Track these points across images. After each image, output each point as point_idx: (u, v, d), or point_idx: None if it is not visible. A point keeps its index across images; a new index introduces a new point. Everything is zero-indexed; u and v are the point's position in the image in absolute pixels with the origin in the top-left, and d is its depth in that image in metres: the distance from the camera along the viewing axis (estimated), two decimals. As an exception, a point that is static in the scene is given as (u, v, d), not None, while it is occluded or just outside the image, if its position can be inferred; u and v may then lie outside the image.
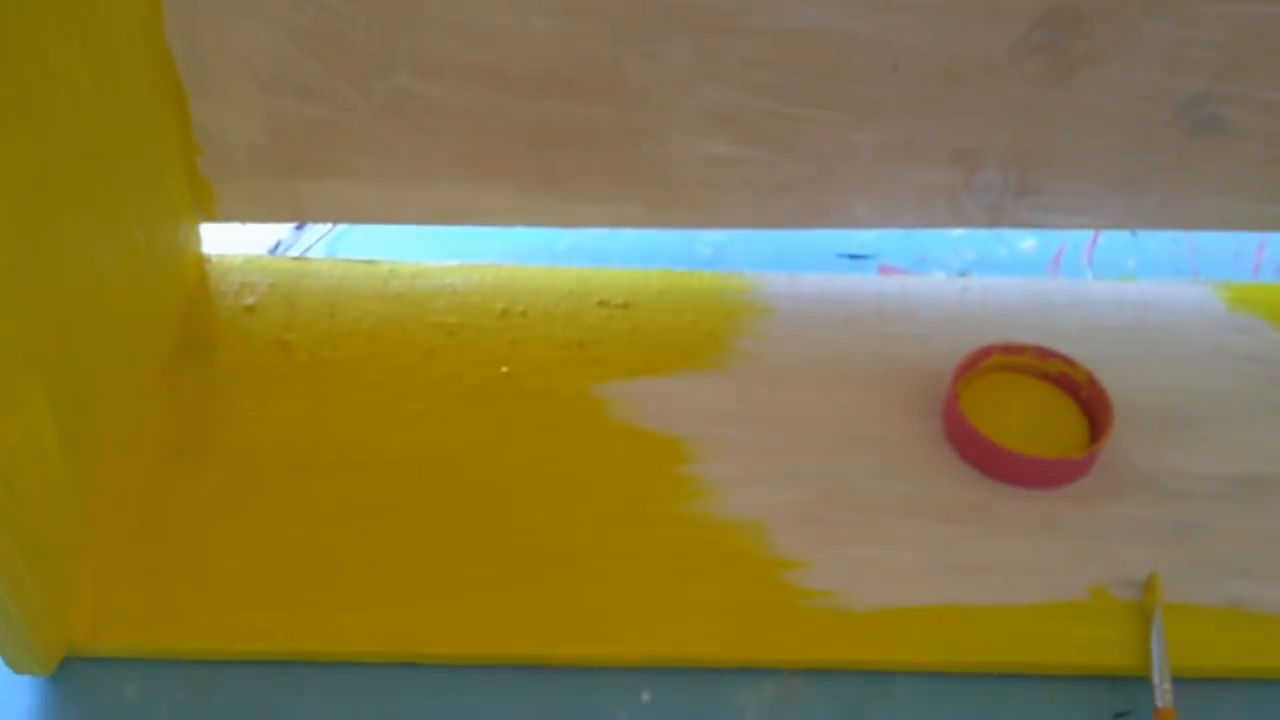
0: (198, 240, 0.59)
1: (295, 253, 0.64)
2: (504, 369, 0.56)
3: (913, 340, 0.58)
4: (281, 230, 0.65)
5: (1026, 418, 0.54)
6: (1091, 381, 0.53)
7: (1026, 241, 0.66)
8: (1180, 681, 0.45)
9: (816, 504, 0.50)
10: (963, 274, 0.63)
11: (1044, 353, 0.54)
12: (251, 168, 0.56)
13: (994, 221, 0.59)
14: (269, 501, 0.49)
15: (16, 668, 0.43)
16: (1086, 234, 0.66)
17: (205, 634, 0.45)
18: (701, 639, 0.45)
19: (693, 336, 0.58)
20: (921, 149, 0.56)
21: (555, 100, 0.53)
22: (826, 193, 0.58)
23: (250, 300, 0.58)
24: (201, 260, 0.59)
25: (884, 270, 0.63)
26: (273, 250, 0.64)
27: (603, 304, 0.59)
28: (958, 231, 0.59)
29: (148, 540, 0.47)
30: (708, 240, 0.65)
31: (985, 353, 0.55)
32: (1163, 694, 0.43)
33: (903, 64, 0.52)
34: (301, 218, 0.59)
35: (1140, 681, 0.45)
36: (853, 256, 0.64)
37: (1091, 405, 0.53)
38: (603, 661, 0.45)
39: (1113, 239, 0.66)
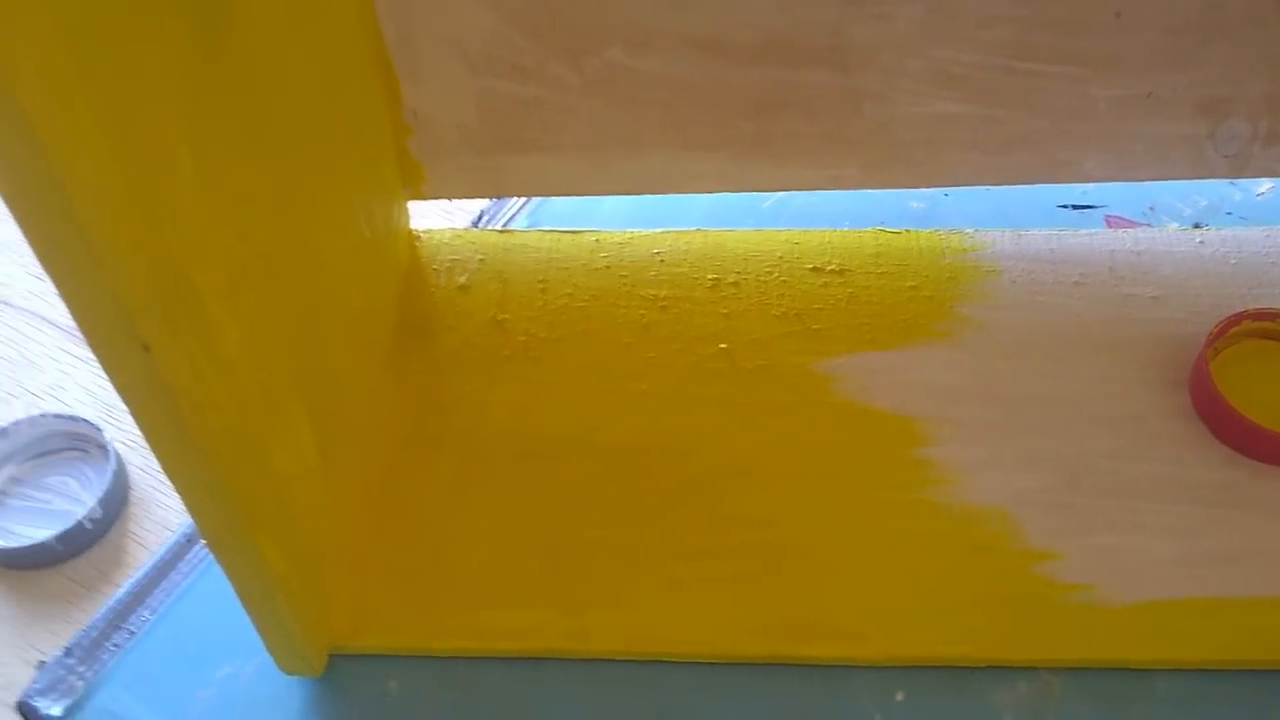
0: (408, 218, 0.59)
1: (497, 222, 0.64)
2: (722, 345, 0.54)
3: (1150, 302, 0.55)
4: (483, 201, 0.65)
5: (1284, 390, 0.51)
6: (1358, 350, 0.49)
7: (1263, 185, 0.61)
8: None
9: (1062, 489, 0.48)
10: (1197, 224, 0.59)
11: (1303, 318, 0.51)
12: (460, 147, 0.55)
13: (1236, 172, 0.55)
14: (504, 492, 0.50)
15: (288, 670, 0.45)
16: (1334, 174, 0.61)
17: (456, 633, 0.46)
18: (954, 638, 0.45)
19: (915, 304, 0.56)
20: (1165, 101, 0.52)
21: (773, 67, 0.51)
22: (1057, 148, 0.54)
23: (463, 279, 0.58)
24: (412, 238, 0.59)
25: (1111, 222, 0.60)
26: (476, 221, 0.64)
27: (816, 270, 0.57)
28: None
29: (393, 536, 0.48)
30: (920, 194, 0.62)
31: (1236, 319, 0.51)
32: None
33: (1151, 16, 0.48)
34: (507, 193, 0.58)
35: None
36: (1076, 207, 0.61)
37: (1359, 376, 0.50)
38: (852, 661, 0.45)
39: (1363, 178, 0.61)
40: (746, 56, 0.51)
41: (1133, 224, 0.59)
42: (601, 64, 0.51)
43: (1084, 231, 0.58)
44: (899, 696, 0.44)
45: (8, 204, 0.24)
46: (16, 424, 0.54)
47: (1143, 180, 0.56)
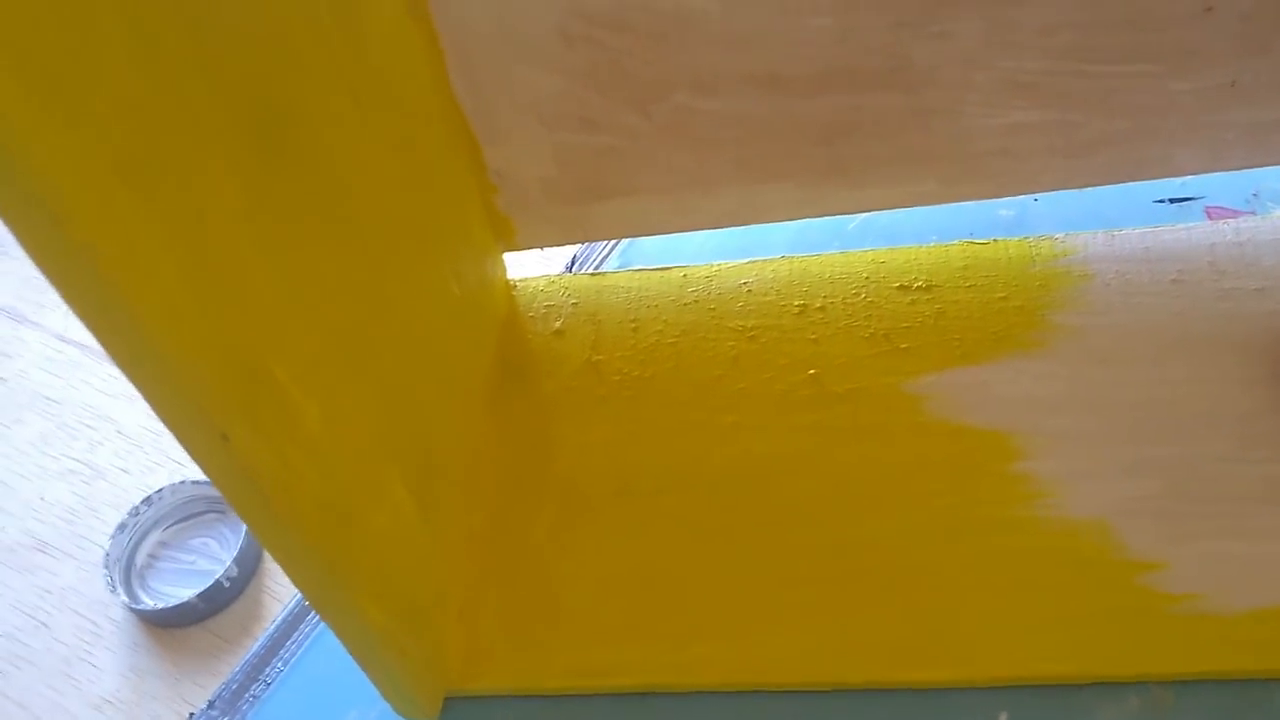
0: (503, 269, 0.61)
1: (590, 264, 0.65)
2: (811, 371, 0.55)
3: (1254, 294, 0.53)
4: (576, 245, 0.67)
5: (1403, 377, 0.48)
6: None
7: (1379, 158, 0.58)
8: None
9: (1165, 496, 0.47)
10: (1306, 207, 0.56)
11: None
12: (545, 198, 0.57)
13: (1342, 149, 0.53)
14: (605, 530, 0.51)
15: (405, 714, 0.47)
16: None
17: (565, 672, 0.48)
18: (1056, 655, 0.44)
19: (1005, 315, 0.55)
20: (1250, 88, 0.50)
21: (837, 95, 0.52)
22: (1144, 146, 0.53)
23: (558, 324, 0.60)
24: (509, 287, 0.62)
25: (1212, 213, 0.58)
26: (570, 266, 0.66)
27: (903, 288, 0.57)
28: (1294, 158, 0.53)
29: (500, 580, 0.50)
30: (1008, 202, 0.61)
31: (1347, 307, 0.49)
32: None
33: (1220, 4, 0.47)
34: (594, 237, 0.60)
35: None
36: (1174, 200, 0.59)
37: None
38: (955, 684, 0.44)
39: None
40: (809, 87, 0.51)
41: (1235, 213, 0.57)
42: (669, 109, 0.53)
43: (1181, 226, 0.56)
44: (1003, 717, 0.44)
45: (82, 320, 0.27)
46: (161, 492, 0.59)
47: (1240, 168, 0.54)
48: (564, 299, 0.61)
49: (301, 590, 0.39)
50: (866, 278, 0.58)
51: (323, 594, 0.40)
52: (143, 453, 0.61)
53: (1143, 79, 0.50)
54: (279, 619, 0.53)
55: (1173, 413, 0.50)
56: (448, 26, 0.50)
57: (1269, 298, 0.52)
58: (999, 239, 0.58)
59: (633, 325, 0.59)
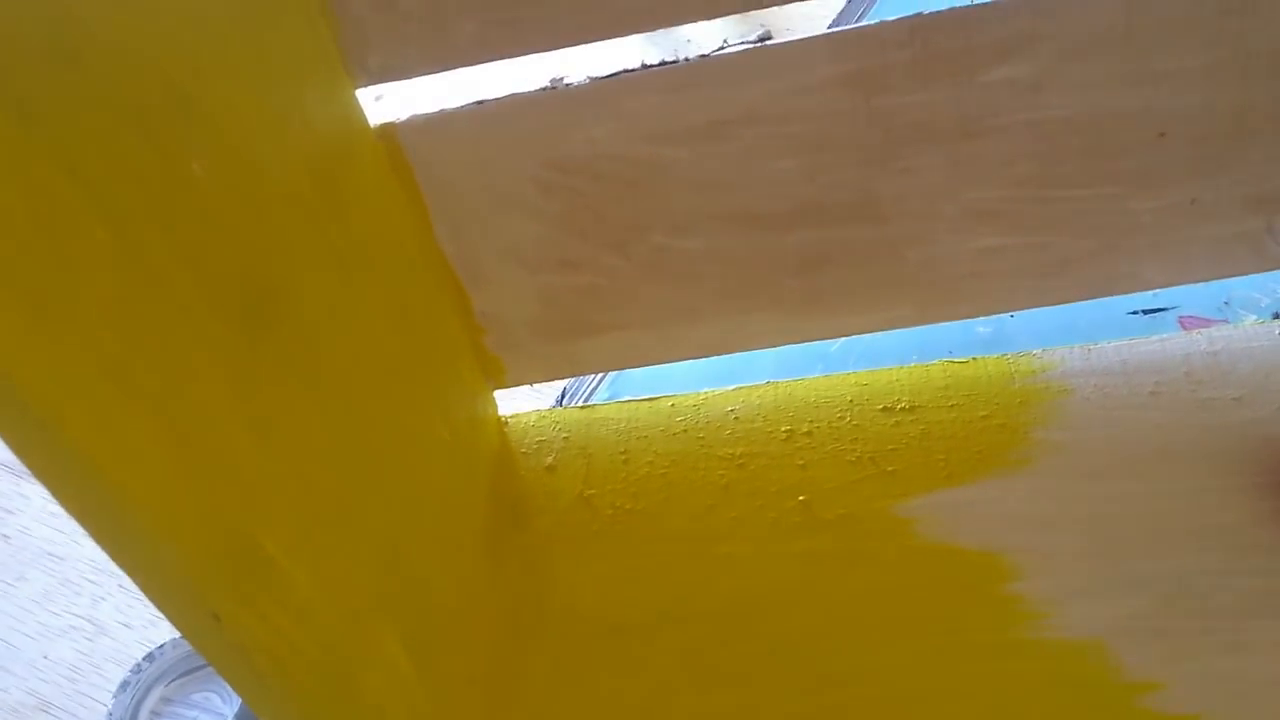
0: (494, 407, 0.62)
1: (580, 395, 0.66)
2: (801, 498, 0.56)
3: (1232, 404, 0.54)
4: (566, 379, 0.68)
5: (1384, 482, 0.49)
6: None
7: (1345, 261, 0.60)
8: None
9: (1159, 613, 0.47)
10: (1276, 315, 0.57)
11: (1393, 406, 0.49)
12: (532, 337, 0.59)
13: (1305, 259, 0.54)
14: (601, 669, 0.51)
15: None
16: None
17: (569, 818, 0.47)
18: (1059, 784, 0.44)
19: (988, 434, 0.56)
20: (1210, 205, 0.52)
21: (810, 230, 0.53)
22: (1111, 263, 0.54)
23: (550, 459, 0.61)
24: (500, 425, 0.63)
25: (1185, 323, 0.59)
26: (560, 399, 0.67)
27: (887, 410, 0.58)
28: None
29: (501, 725, 0.50)
30: (985, 319, 0.62)
31: (1322, 414, 0.50)
32: None
33: (1172, 129, 0.49)
34: (583, 371, 0.61)
35: None
36: (1147, 312, 0.60)
37: None
38: (958, 817, 0.44)
39: None
40: (782, 224, 0.53)
41: (1208, 322, 0.58)
42: (648, 249, 0.54)
43: (1156, 338, 0.57)
44: None
45: (68, 512, 0.28)
46: (163, 647, 0.59)
47: (1207, 280, 0.55)
48: (555, 433, 0.62)
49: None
50: (850, 400, 0.59)
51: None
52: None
53: (1104, 201, 0.52)
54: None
55: (1161, 526, 0.50)
56: (429, 182, 0.52)
57: (1246, 406, 0.53)
58: (978, 357, 0.59)
59: (624, 457, 0.60)
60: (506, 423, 0.63)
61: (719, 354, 0.59)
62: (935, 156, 0.50)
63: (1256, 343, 0.56)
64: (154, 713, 0.58)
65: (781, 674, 0.49)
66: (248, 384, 0.35)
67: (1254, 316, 0.58)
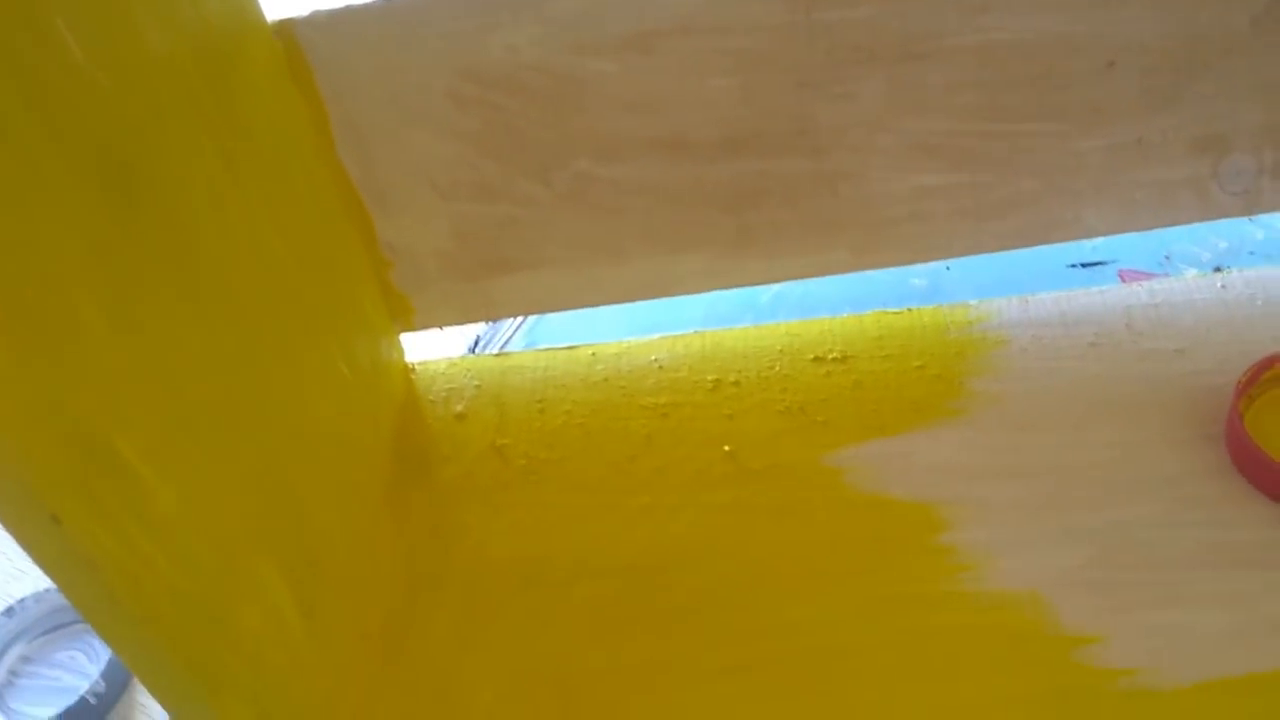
0: (401, 352, 0.58)
1: (495, 344, 0.63)
2: (726, 448, 0.52)
3: (1173, 355, 0.52)
4: (479, 325, 0.64)
5: (1328, 434, 0.47)
6: (1404, 383, 0.46)
7: (1287, 219, 0.59)
8: None
9: (1096, 565, 0.45)
10: (1218, 268, 0.56)
11: (1338, 355, 0.48)
12: (442, 274, 0.55)
13: (1250, 209, 0.52)
14: (510, 626, 0.48)
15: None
16: (1357, 199, 0.58)
17: (468, 780, 0.43)
18: (994, 740, 0.41)
19: (923, 384, 0.53)
20: (1157, 145, 0.50)
21: (743, 160, 0.50)
22: (1053, 207, 0.52)
23: (460, 407, 0.57)
24: (408, 371, 0.59)
25: (1125, 276, 0.57)
26: (473, 347, 0.63)
27: (818, 360, 0.55)
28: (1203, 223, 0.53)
29: (397, 682, 0.46)
30: (921, 271, 0.60)
31: (1267, 363, 0.48)
32: None
33: (1122, 60, 0.47)
34: (498, 314, 0.58)
35: None
36: (1086, 265, 0.58)
37: None
38: (887, 776, 0.41)
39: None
40: (714, 152, 0.50)
41: (1148, 275, 0.57)
42: (571, 176, 0.51)
43: (1095, 289, 0.55)
44: (941, 811, 0.40)
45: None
46: (23, 601, 0.53)
47: (1150, 229, 0.53)
48: (466, 381, 0.58)
49: (156, 695, 0.34)
50: (780, 350, 0.56)
51: (183, 700, 0.35)
52: (5, 558, 0.56)
53: (1049, 138, 0.49)
54: (150, 736, 0.48)
55: (1098, 478, 0.48)
56: (331, 89, 0.48)
57: (1188, 359, 0.51)
58: (913, 308, 0.56)
59: (539, 406, 0.56)
60: (414, 369, 0.59)
61: (645, 299, 0.56)
62: (876, 80, 0.47)
63: (1199, 295, 0.54)
64: (12, 672, 0.53)
65: (702, 627, 0.46)
66: (107, 261, 0.30)
67: (1195, 270, 0.56)
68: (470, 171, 0.50)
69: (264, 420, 0.41)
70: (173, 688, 0.34)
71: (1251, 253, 0.57)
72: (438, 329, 0.58)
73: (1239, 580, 0.43)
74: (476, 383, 0.58)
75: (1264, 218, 0.58)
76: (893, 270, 0.60)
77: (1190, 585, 0.44)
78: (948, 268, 0.60)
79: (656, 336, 0.58)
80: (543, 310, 0.58)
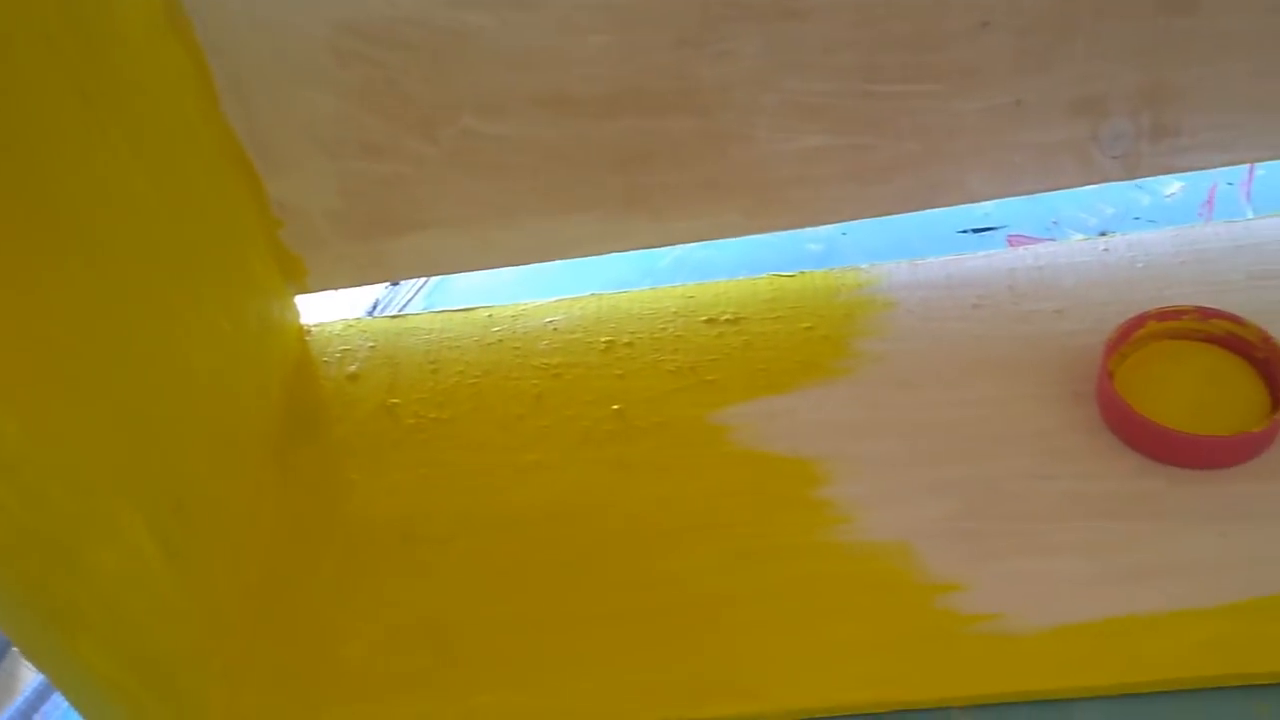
0: (295, 313, 0.58)
1: (394, 309, 0.63)
2: (615, 407, 0.53)
3: (1053, 315, 0.52)
4: (379, 288, 0.64)
5: (1195, 390, 0.48)
6: (1266, 340, 0.47)
7: (1172, 186, 0.59)
8: None
9: (966, 516, 0.46)
10: (1103, 233, 0.57)
11: (1205, 313, 0.48)
12: (334, 234, 0.55)
13: (1131, 173, 0.53)
14: (390, 579, 0.48)
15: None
16: (1242, 168, 0.59)
17: (339, 729, 0.43)
18: (854, 683, 0.41)
19: (811, 345, 0.54)
20: (1035, 107, 0.51)
21: (628, 118, 0.50)
22: (936, 170, 0.53)
23: (353, 367, 0.57)
24: (301, 332, 0.58)
25: (1013, 241, 0.58)
26: (371, 310, 0.63)
27: (711, 321, 0.56)
28: (1092, 187, 0.53)
29: (273, 634, 0.46)
30: (816, 236, 0.60)
31: (1138, 321, 0.49)
32: (1398, 700, 0.37)
33: (996, 19, 0.47)
34: (393, 276, 0.58)
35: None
36: (977, 231, 0.59)
37: (1269, 367, 0.47)
38: (753, 718, 0.42)
39: (1273, 168, 0.59)
40: (600, 110, 0.50)
41: (1036, 240, 0.57)
42: (457, 133, 0.51)
43: (982, 254, 0.56)
44: (800, 753, 0.41)
45: None
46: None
47: (1032, 193, 0.54)
48: (361, 342, 0.58)
49: (14, 639, 0.34)
50: (675, 312, 0.57)
51: (41, 643, 0.35)
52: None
53: (928, 99, 0.50)
54: (27, 691, 0.47)
55: (973, 433, 0.48)
56: (212, 42, 0.47)
57: (1066, 319, 0.52)
58: (806, 271, 0.57)
59: (432, 367, 0.56)
60: (309, 331, 0.59)
61: (539, 261, 0.56)
62: (754, 39, 0.48)
63: (1080, 258, 0.55)
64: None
65: (581, 579, 0.46)
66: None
67: (1081, 235, 0.57)
68: (355, 128, 0.50)
69: (131, 369, 0.41)
70: (28, 630, 0.35)
71: (1136, 218, 0.58)
72: (334, 291, 0.58)
73: (1101, 530, 0.44)
74: (371, 344, 0.58)
75: (1150, 184, 0.59)
76: (790, 235, 0.60)
77: (1054, 534, 0.44)
78: (843, 233, 0.60)
79: (552, 299, 0.58)
80: (438, 272, 0.58)
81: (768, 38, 0.48)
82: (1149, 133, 0.52)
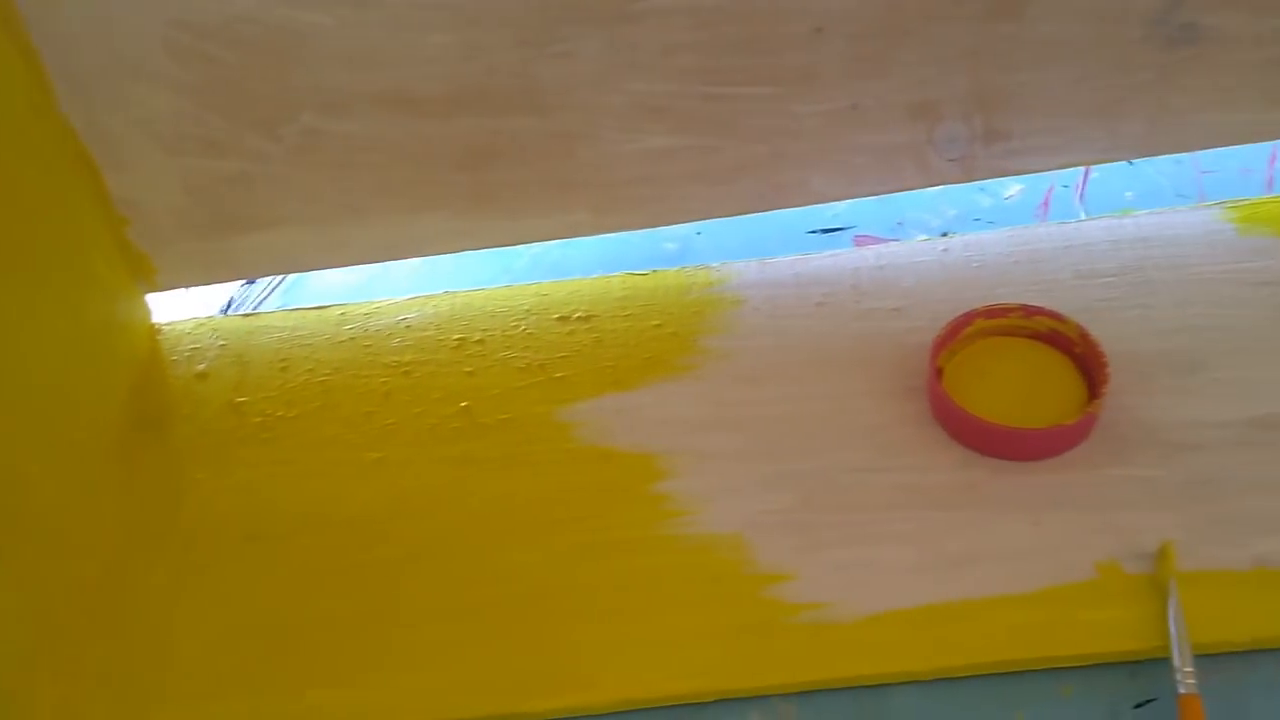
0: (145, 312, 0.57)
1: (249, 306, 0.62)
2: (463, 404, 0.53)
3: (891, 313, 0.54)
4: (234, 286, 0.63)
5: (1019, 384, 0.50)
6: (1084, 336, 0.49)
7: (1012, 188, 0.61)
8: (1208, 658, 0.41)
9: (798, 509, 0.47)
10: (945, 233, 0.58)
11: (1029, 310, 0.50)
12: (181, 231, 0.54)
13: (967, 175, 0.55)
14: (228, 578, 0.47)
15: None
16: (1077, 171, 0.62)
17: (167, 729, 0.43)
18: (681, 674, 0.42)
19: (659, 342, 0.54)
20: (871, 111, 0.52)
21: (471, 117, 0.51)
22: (780, 171, 0.54)
23: (202, 366, 0.56)
24: (152, 331, 0.58)
25: (860, 241, 0.59)
26: (225, 308, 0.62)
27: (563, 319, 0.56)
28: (936, 189, 0.55)
29: (107, 635, 0.46)
30: (672, 235, 0.61)
31: (966, 319, 0.51)
32: (1184, 679, 0.39)
33: (828, 25, 0.48)
34: (243, 274, 0.57)
35: (1163, 663, 0.41)
36: (826, 231, 0.60)
37: (1087, 362, 0.49)
38: (578, 711, 0.42)
39: (1108, 171, 0.61)
40: (442, 108, 0.50)
41: (882, 240, 0.59)
42: (299, 131, 0.51)
43: (829, 253, 0.57)
44: (625, 743, 0.42)
45: None
46: None
47: (876, 194, 0.55)
48: (212, 340, 0.58)
49: None
50: (528, 310, 0.57)
51: None
52: None
53: (767, 102, 0.51)
54: None
55: (811, 428, 0.50)
56: (46, 39, 0.47)
57: (904, 316, 0.54)
58: (659, 270, 0.58)
59: (282, 365, 0.56)
60: (160, 330, 0.58)
61: (390, 259, 0.56)
62: (594, 40, 0.48)
63: (921, 258, 0.56)
64: None
65: (421, 575, 0.47)
66: None
67: (924, 236, 0.59)
68: (196, 125, 0.50)
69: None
70: None
71: (977, 219, 0.59)
72: (186, 289, 0.58)
73: (925, 520, 0.46)
74: (222, 342, 0.57)
75: (991, 186, 0.61)
76: (646, 234, 0.61)
77: (880, 525, 0.46)
78: (699, 232, 0.61)
79: (407, 297, 0.58)
80: (288, 270, 0.58)
81: (607, 39, 0.48)
82: (982, 136, 0.53)
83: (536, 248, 0.61)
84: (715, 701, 0.42)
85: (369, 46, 0.48)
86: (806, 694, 0.42)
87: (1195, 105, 0.53)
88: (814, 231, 0.60)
